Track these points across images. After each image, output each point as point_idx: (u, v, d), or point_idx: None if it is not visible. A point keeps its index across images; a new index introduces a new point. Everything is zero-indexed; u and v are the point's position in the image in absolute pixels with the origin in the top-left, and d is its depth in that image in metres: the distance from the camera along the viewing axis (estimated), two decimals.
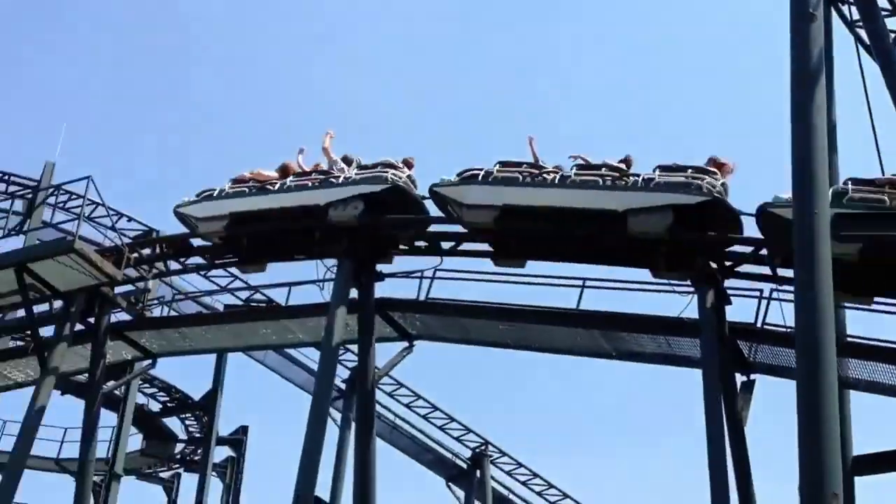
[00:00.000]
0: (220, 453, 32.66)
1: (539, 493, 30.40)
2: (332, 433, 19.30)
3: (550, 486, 30.23)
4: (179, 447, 33.60)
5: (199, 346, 20.14)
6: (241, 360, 28.42)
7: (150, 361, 20.93)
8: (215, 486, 32.13)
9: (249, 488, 33.72)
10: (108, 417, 26.98)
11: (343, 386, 23.35)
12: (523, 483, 30.21)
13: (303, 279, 18.36)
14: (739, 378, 15.66)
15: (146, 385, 31.25)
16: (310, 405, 16.10)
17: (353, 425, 23.23)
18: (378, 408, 22.39)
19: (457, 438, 29.07)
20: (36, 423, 17.71)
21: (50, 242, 17.82)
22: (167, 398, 32.18)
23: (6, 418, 31.99)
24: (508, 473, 30.04)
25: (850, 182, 13.69)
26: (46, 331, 18.84)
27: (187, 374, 62.67)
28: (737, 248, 15.10)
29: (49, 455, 30.89)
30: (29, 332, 19.45)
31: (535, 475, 30.11)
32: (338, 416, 23.17)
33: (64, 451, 31.21)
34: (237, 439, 32.95)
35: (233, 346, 21.06)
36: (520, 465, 29.90)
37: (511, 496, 30.60)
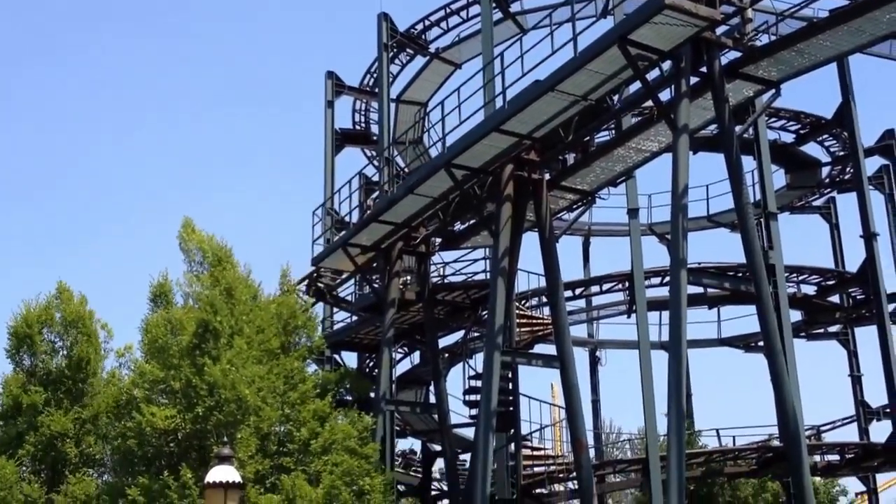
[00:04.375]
0: (871, 165, 31.06)
1: None
2: None
3: None
4: (825, 171, 32.59)
5: (820, 57, 18.88)
6: (863, 63, 26.36)
7: (772, 92, 20.17)
8: (876, 200, 30.77)
9: None
10: (745, 162, 26.85)
11: None
12: None
13: None
14: None
15: (773, 119, 30.51)
16: None
17: None
18: None
19: None
20: (684, 181, 17.85)
21: (641, 7, 17.51)
22: (798, 125, 31.14)
23: (651, 191, 33.68)
24: None
25: None
26: (663, 96, 18.98)
27: (810, 95, 60.43)
28: None
29: (699, 214, 31.82)
30: (649, 102, 19.64)
31: None
32: None
33: (712, 207, 31.96)
34: (886, 145, 31.01)
35: (854, 47, 19.22)
36: None
37: None
